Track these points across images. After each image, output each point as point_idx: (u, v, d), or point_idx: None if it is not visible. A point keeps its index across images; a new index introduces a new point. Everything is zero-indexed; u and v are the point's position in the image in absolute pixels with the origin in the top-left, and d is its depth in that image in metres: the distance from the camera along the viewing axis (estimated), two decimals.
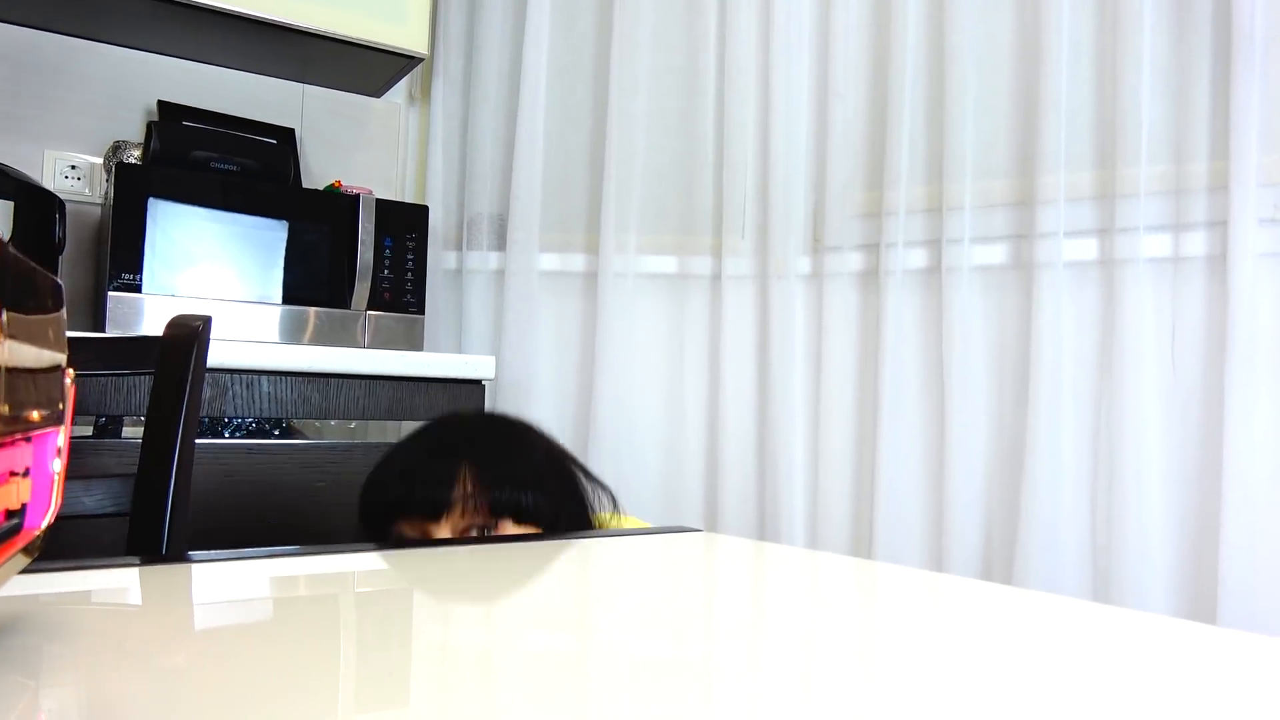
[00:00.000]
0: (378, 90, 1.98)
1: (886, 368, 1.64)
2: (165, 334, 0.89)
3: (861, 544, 1.68)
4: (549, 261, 1.90)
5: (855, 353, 1.72)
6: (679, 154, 1.89)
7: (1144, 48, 1.46)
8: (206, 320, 0.91)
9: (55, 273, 1.51)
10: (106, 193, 1.59)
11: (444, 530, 0.80)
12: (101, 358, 0.88)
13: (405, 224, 1.64)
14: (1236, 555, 1.33)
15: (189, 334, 0.88)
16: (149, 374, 0.90)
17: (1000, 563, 1.54)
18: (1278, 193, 1.39)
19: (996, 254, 1.61)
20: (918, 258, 1.67)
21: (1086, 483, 1.49)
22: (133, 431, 1.43)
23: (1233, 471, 1.34)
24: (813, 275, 1.77)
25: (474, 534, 0.80)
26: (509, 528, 0.81)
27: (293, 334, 1.55)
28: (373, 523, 0.86)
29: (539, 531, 0.82)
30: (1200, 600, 1.39)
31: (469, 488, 0.80)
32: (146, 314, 1.43)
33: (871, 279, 1.71)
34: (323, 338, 1.56)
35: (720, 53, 1.86)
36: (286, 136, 1.78)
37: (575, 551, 0.65)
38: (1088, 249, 1.52)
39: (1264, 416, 1.35)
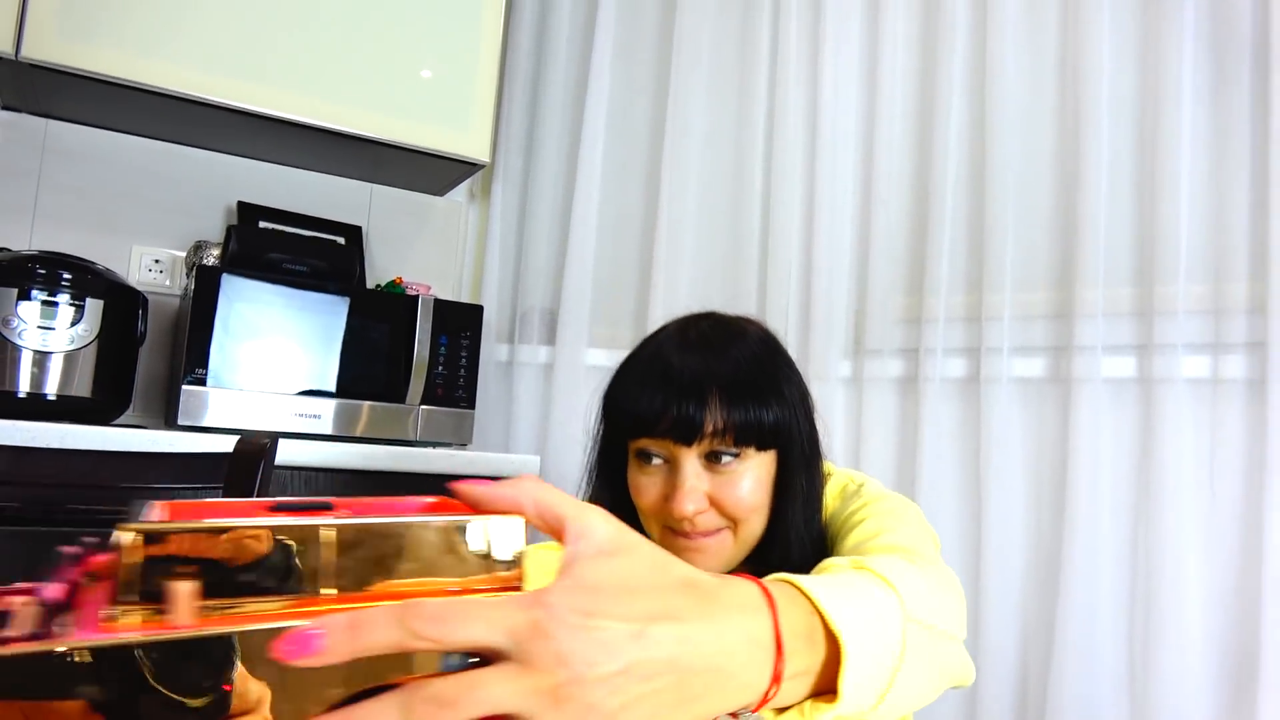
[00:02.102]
0: (441, 190, 2.09)
1: (924, 475, 1.66)
2: (235, 450, 0.97)
3: None
4: (597, 356, 1.96)
5: (893, 458, 1.74)
6: (725, 254, 1.96)
7: (1183, 167, 1.49)
8: (274, 437, 0.98)
9: (135, 362, 1.61)
10: (186, 288, 1.70)
11: (689, 454, 0.78)
12: (175, 472, 0.96)
13: (461, 323, 1.73)
14: (1276, 680, 1.31)
15: (257, 451, 0.95)
16: (215, 487, 0.97)
17: (1036, 679, 1.53)
18: None
19: (1035, 366, 1.63)
20: (957, 366, 1.70)
21: (1125, 601, 1.49)
22: None
23: (1272, 595, 1.33)
24: (853, 379, 1.81)
25: (719, 457, 0.78)
26: (750, 454, 0.79)
27: (347, 426, 1.62)
28: (615, 436, 0.84)
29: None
30: None
31: (719, 420, 0.77)
32: (213, 405, 1.52)
33: (911, 385, 1.74)
34: (376, 429, 1.64)
35: (767, 156, 1.93)
36: (354, 235, 1.89)
37: None
38: (1126, 366, 1.54)
39: None
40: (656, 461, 0.80)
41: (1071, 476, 1.52)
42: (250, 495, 0.94)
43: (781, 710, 0.45)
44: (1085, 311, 1.56)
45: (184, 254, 1.83)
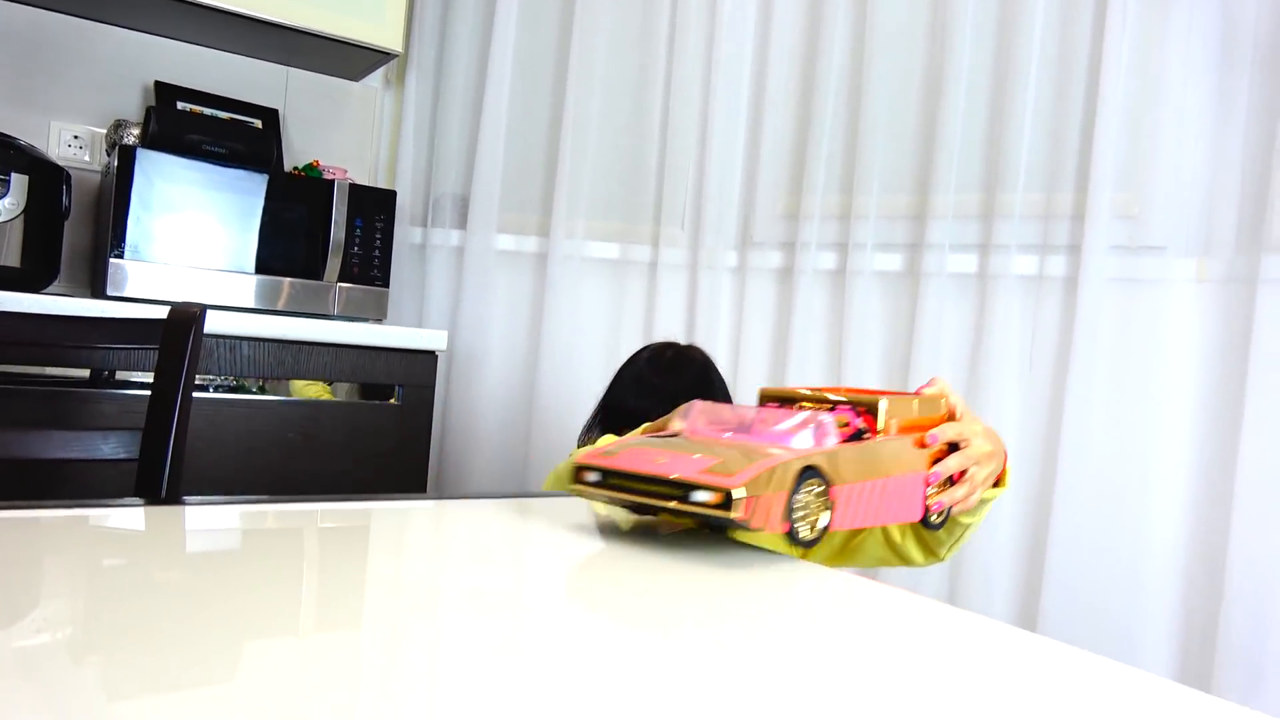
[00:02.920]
0: (356, 76, 2.16)
1: (793, 357, 1.88)
2: (169, 317, 1.11)
3: None
4: (505, 242, 2.11)
5: (769, 342, 1.95)
6: (627, 150, 2.10)
7: (1029, 91, 1.68)
8: (203, 309, 1.12)
9: (60, 235, 1.70)
10: (107, 165, 1.77)
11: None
12: (115, 334, 1.09)
13: (375, 206, 1.85)
14: (1063, 539, 1.59)
15: (189, 319, 1.10)
16: (152, 349, 1.11)
17: None
18: (1127, 225, 1.63)
19: (894, 261, 1.84)
20: (828, 259, 1.90)
21: None
22: (125, 375, 1.64)
23: (1068, 464, 1.59)
24: (739, 268, 2.00)
25: None
26: None
27: (269, 300, 1.75)
28: (615, 419, 1.26)
29: None
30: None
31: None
32: (138, 278, 1.63)
33: (788, 275, 1.94)
34: (296, 305, 1.77)
35: (669, 63, 2.06)
36: (271, 118, 1.97)
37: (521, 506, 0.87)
38: (969, 263, 1.75)
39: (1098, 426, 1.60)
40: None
41: (915, 360, 1.76)
42: (183, 359, 1.09)
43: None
44: (937, 214, 1.76)
45: (103, 131, 1.89)
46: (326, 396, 1.84)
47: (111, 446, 1.04)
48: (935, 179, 1.76)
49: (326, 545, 0.67)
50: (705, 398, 1.17)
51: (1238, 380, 1.48)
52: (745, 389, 1.94)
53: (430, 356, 1.74)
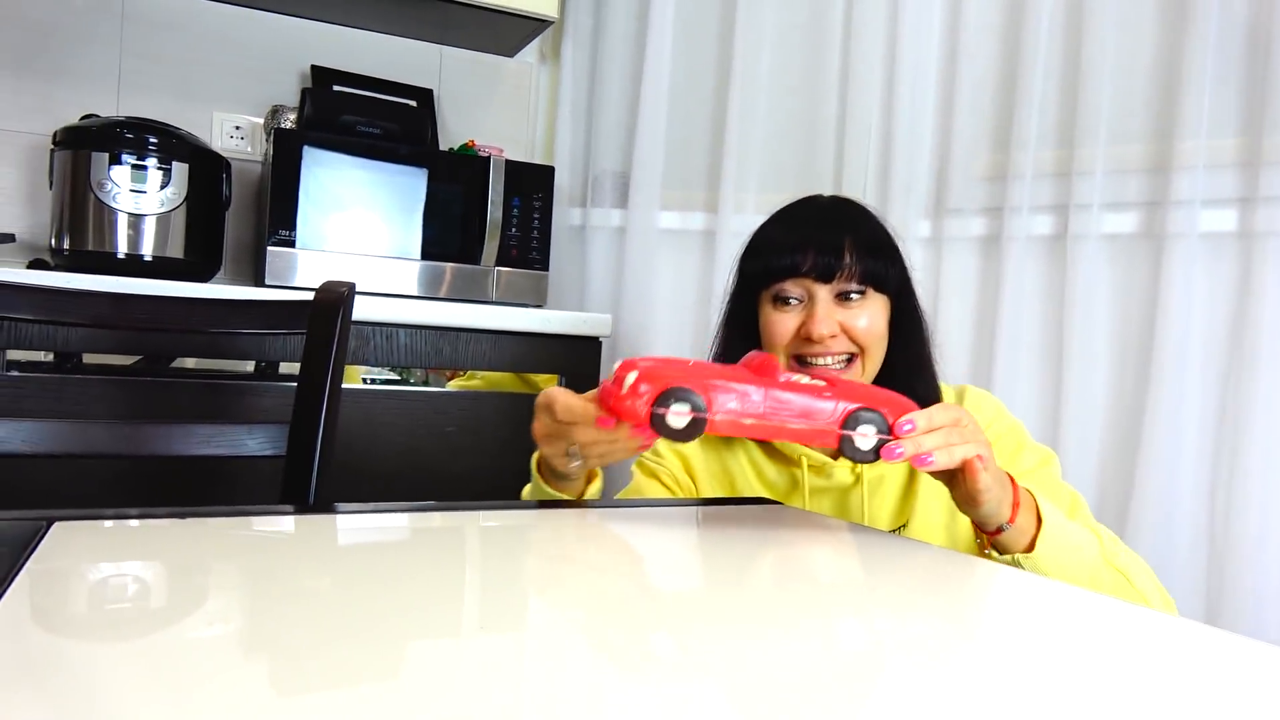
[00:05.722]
0: (510, 51, 2.05)
1: (1003, 337, 1.63)
2: (315, 298, 1.00)
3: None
4: (669, 219, 1.95)
5: (971, 320, 1.71)
6: (801, 113, 1.90)
7: None
8: (351, 286, 1.01)
9: (222, 225, 1.67)
10: (267, 152, 1.73)
11: (825, 291, 0.96)
12: (263, 317, 1.00)
13: (533, 184, 1.73)
14: None
15: (336, 299, 0.99)
16: (299, 333, 1.01)
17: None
18: None
19: (1127, 222, 1.56)
20: (1043, 223, 1.63)
21: (1208, 465, 1.45)
22: (289, 368, 1.58)
23: None
24: (932, 239, 1.76)
25: (847, 296, 0.96)
26: (871, 294, 0.97)
27: (429, 287, 1.66)
28: (754, 283, 1.02)
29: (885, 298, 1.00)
30: None
31: (851, 257, 0.95)
32: (300, 267, 1.57)
33: (993, 244, 1.68)
34: (456, 291, 1.67)
35: (847, 10, 1.84)
36: (425, 98, 1.89)
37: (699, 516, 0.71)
38: (1226, 220, 1.46)
39: None
40: (793, 301, 0.98)
41: (1160, 337, 1.47)
42: (331, 342, 0.98)
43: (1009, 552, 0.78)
44: (1185, 163, 1.47)
45: (261, 120, 1.85)
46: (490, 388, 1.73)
47: (258, 442, 0.95)
48: (1181, 122, 1.47)
49: (488, 548, 0.53)
50: (881, 245, 0.98)
51: None
52: (941, 379, 1.70)
53: (593, 343, 1.61)
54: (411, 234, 1.65)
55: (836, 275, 0.95)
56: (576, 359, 1.59)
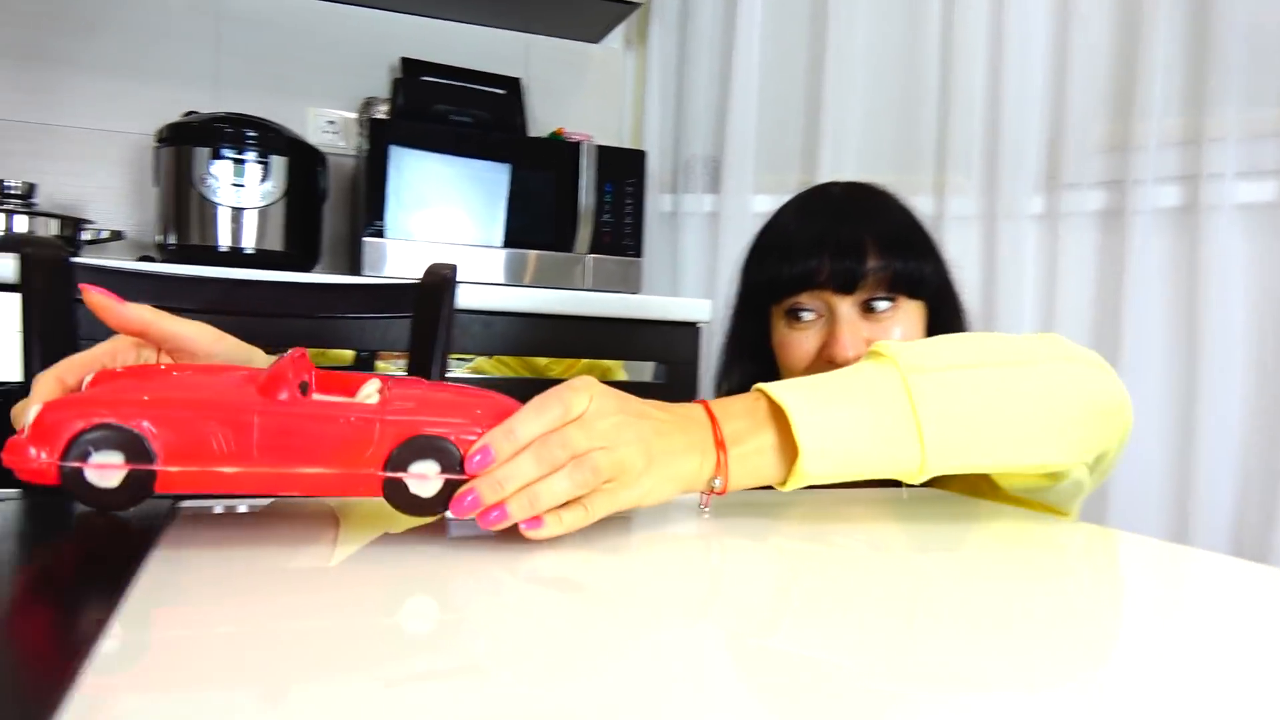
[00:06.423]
0: (597, 36, 2.02)
1: (1129, 317, 1.53)
2: (422, 280, 0.98)
3: (1092, 512, 1.59)
4: (763, 203, 1.89)
5: (1092, 299, 1.61)
6: (900, 88, 1.82)
7: None
8: (453, 268, 0.98)
9: (320, 218, 1.68)
10: (360, 145, 1.74)
11: (847, 304, 0.80)
12: (366, 301, 0.98)
13: (625, 169, 1.69)
14: None
15: (441, 281, 0.96)
16: (404, 317, 0.99)
17: (1254, 539, 1.41)
18: None
19: (1266, 190, 1.45)
20: (1170, 195, 1.53)
21: None
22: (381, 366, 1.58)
23: None
24: (1046, 215, 1.67)
25: (874, 307, 0.80)
26: (903, 302, 0.81)
27: (515, 275, 1.64)
28: (762, 297, 0.85)
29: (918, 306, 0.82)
30: None
31: (876, 269, 0.79)
32: (395, 257, 1.56)
33: (1115, 219, 1.58)
34: (547, 279, 1.65)
35: None
36: (514, 86, 1.87)
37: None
38: None
39: None
40: (808, 317, 0.82)
41: None
42: (438, 322, 0.96)
43: (782, 484, 0.53)
44: None
45: (354, 115, 1.86)
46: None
47: None
48: None
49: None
50: (911, 242, 0.81)
51: None
52: None
53: (692, 329, 1.56)
54: (502, 222, 1.63)
55: (860, 284, 0.79)
56: (675, 347, 1.54)
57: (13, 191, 1.51)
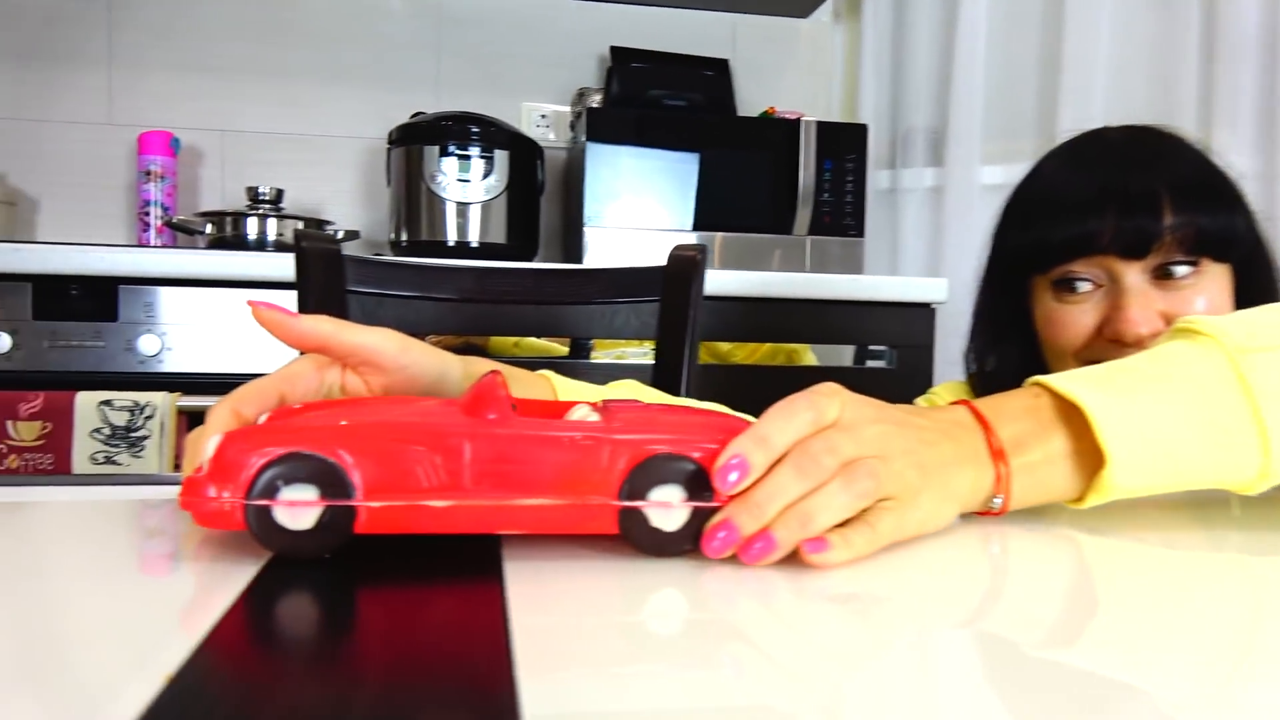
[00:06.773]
0: (805, 11, 1.95)
1: None
2: (669, 262, 0.96)
3: None
4: (992, 175, 1.76)
5: None
6: (1152, 38, 1.64)
7: None
8: (703, 248, 0.95)
9: (538, 210, 1.70)
10: (573, 137, 1.75)
11: (1136, 271, 0.69)
12: (614, 286, 0.97)
13: (845, 145, 1.61)
14: None
15: (689, 263, 0.93)
16: (649, 301, 0.97)
17: None
18: None
19: None
20: None
21: None
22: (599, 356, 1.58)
23: None
24: None
25: (1171, 273, 0.68)
26: (1207, 266, 0.69)
27: (738, 261, 1.60)
28: (1024, 266, 0.74)
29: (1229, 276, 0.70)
30: None
31: (1173, 227, 0.67)
32: (613, 244, 1.56)
33: None
34: (766, 264, 1.60)
35: None
36: (723, 68, 1.83)
37: None
38: None
39: None
40: (1085, 288, 0.70)
41: None
42: (687, 305, 0.93)
43: (1078, 500, 0.42)
44: None
45: (566, 108, 1.88)
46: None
47: None
48: None
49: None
50: (1216, 192, 0.68)
51: None
52: None
53: (926, 310, 1.47)
54: (719, 206, 1.59)
55: (1153, 247, 0.67)
56: (908, 329, 1.45)
57: (264, 197, 1.62)
